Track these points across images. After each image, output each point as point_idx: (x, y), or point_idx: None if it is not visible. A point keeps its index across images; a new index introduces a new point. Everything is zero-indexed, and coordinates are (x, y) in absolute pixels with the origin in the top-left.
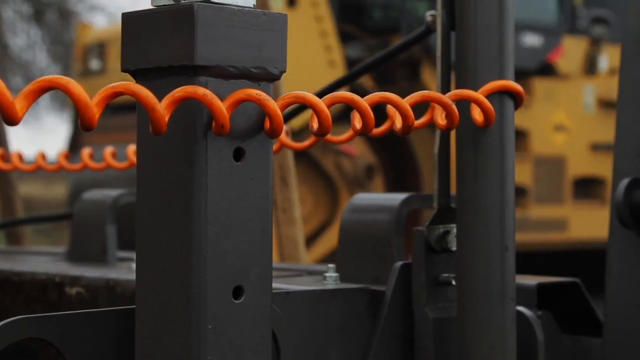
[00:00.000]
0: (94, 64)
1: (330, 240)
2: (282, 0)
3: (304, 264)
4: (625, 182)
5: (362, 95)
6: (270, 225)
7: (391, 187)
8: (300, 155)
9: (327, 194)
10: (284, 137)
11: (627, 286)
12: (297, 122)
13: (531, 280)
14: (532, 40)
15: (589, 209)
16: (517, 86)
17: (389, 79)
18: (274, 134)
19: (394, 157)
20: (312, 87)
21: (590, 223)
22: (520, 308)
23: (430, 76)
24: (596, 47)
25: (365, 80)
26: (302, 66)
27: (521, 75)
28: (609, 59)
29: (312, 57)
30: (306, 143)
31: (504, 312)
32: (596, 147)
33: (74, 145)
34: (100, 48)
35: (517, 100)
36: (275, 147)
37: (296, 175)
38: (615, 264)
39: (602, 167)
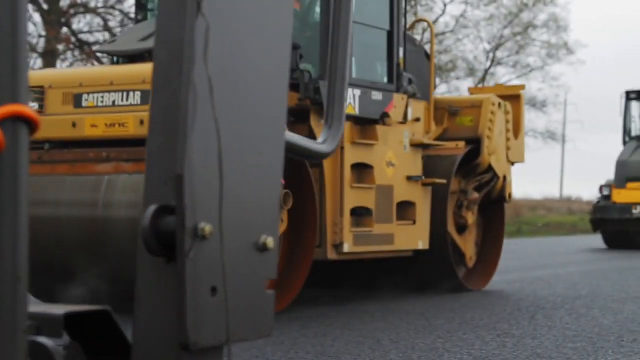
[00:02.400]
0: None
1: None
2: None
3: None
4: (152, 209)
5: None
6: None
7: (292, 214)
8: None
9: None
10: None
11: (154, 311)
12: None
13: (58, 310)
14: (376, 96)
15: (405, 226)
16: (30, 111)
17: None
18: None
19: (296, 186)
20: None
21: (407, 237)
22: (42, 339)
23: (315, 121)
24: (407, 101)
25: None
26: None
27: (371, 122)
28: (413, 110)
29: None
30: None
31: (15, 345)
32: (410, 178)
33: None
34: (39, 90)
35: (31, 125)
36: None
37: None
38: (144, 289)
39: (414, 194)
